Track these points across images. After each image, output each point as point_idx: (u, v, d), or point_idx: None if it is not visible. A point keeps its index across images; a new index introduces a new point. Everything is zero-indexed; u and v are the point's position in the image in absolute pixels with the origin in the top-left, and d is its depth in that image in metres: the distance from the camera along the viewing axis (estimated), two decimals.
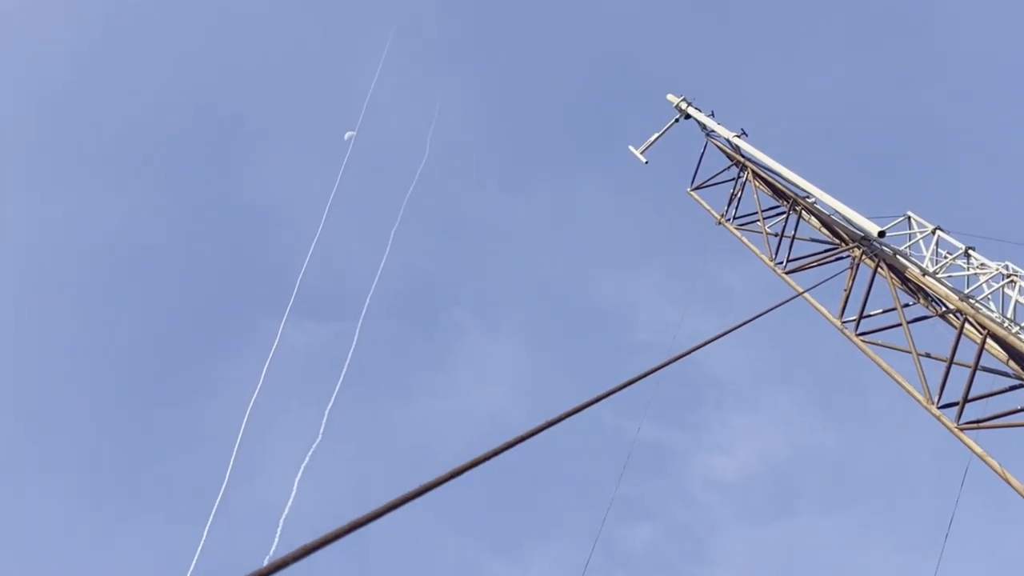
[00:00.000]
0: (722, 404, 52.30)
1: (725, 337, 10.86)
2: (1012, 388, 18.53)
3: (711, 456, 53.66)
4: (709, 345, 10.49)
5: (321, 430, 33.08)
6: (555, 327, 56.36)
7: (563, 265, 58.34)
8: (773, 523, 53.70)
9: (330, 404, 34.92)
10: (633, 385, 8.80)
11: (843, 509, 52.23)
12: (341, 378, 35.32)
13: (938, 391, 18.57)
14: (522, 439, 6.74)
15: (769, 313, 13.86)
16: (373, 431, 50.09)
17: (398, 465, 50.02)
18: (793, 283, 22.44)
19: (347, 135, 40.07)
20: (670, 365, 8.47)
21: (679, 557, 51.27)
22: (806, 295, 21.15)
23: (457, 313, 55.87)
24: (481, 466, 6.68)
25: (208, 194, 56.72)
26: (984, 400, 18.28)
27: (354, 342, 36.72)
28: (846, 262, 22.18)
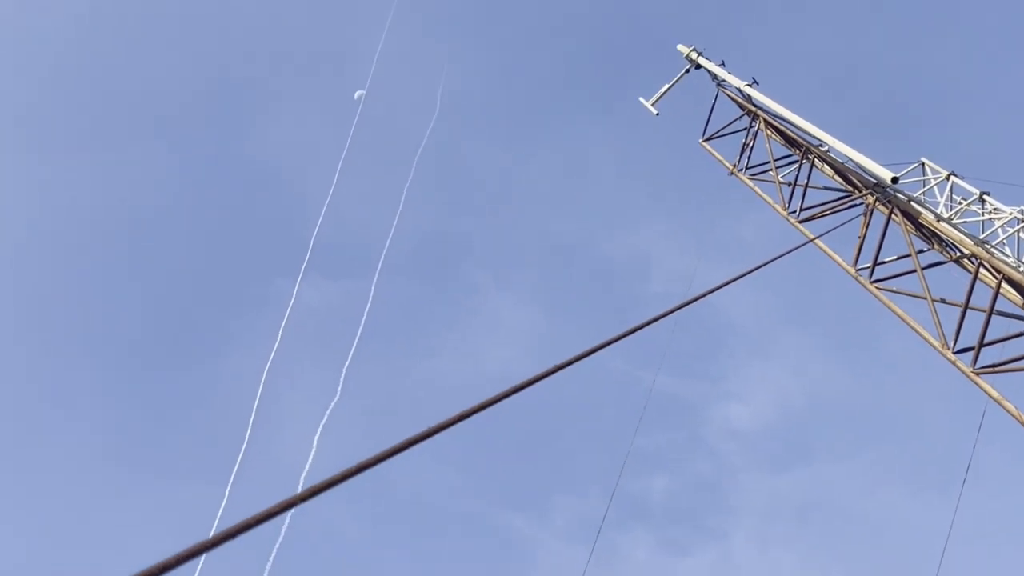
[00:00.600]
0: (737, 353, 52.32)
1: (739, 283, 10.85)
2: None
3: (727, 405, 53.77)
4: (724, 292, 10.49)
5: (339, 388, 33.27)
6: (568, 281, 56.38)
7: (575, 218, 58.26)
8: (791, 470, 53.90)
9: (347, 362, 35.10)
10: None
11: (860, 455, 52.40)
12: (358, 336, 35.47)
13: (953, 336, 18.53)
14: (533, 381, 6.74)
15: (782, 259, 13.83)
16: (390, 388, 50.35)
17: (415, 422, 50.27)
18: (806, 231, 22.35)
19: (357, 94, 39.94)
20: (682, 309, 8.47)
21: (697, 507, 51.59)
22: (818, 242, 21.07)
23: (470, 270, 55.94)
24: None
25: (218, 156, 56.73)
26: (1000, 344, 18.23)
27: (369, 300, 36.83)
28: (860, 209, 22.07)
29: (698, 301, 8.85)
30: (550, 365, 7.45)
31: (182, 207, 54.74)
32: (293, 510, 4.74)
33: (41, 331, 50.02)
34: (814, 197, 23.35)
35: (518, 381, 7.01)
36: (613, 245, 57.67)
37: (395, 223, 38.03)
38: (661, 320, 8.83)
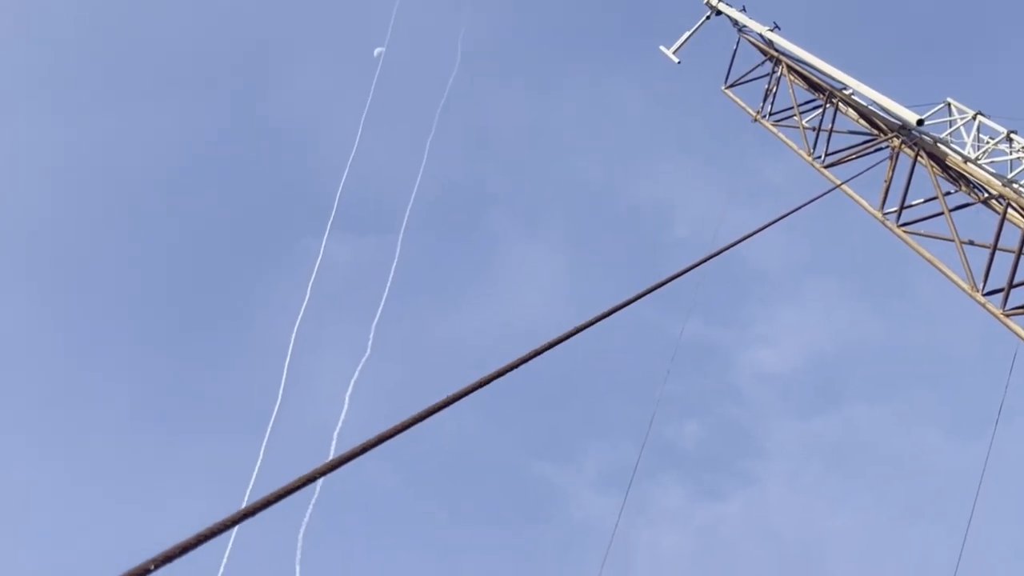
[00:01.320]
0: (766, 298, 52.16)
1: (767, 231, 10.86)
2: None
3: (757, 350, 53.71)
4: (751, 239, 10.51)
5: (369, 344, 33.53)
6: (593, 228, 56.26)
7: (598, 166, 58.00)
8: (822, 414, 53.98)
9: (376, 317, 35.35)
10: (676, 282, 8.86)
11: (891, 398, 52.39)
12: (386, 291, 35.68)
13: (982, 278, 18.46)
14: (565, 338, 6.81)
15: (809, 206, 13.81)
16: (419, 343, 50.58)
17: (446, 375, 50.62)
18: (832, 176, 22.22)
19: (376, 51, 39.84)
20: (712, 259, 8.50)
21: (729, 452, 51.78)
22: (845, 187, 20.97)
23: (495, 220, 55.92)
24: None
25: (238, 114, 56.70)
26: None
27: (396, 254, 36.99)
28: (885, 153, 21.93)
29: (729, 250, 8.88)
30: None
31: (205, 166, 54.88)
32: (323, 479, 4.83)
33: (70, 293, 50.46)
34: (839, 142, 23.21)
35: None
36: (637, 191, 57.45)
37: (419, 177, 38.08)
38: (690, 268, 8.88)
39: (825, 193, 14.24)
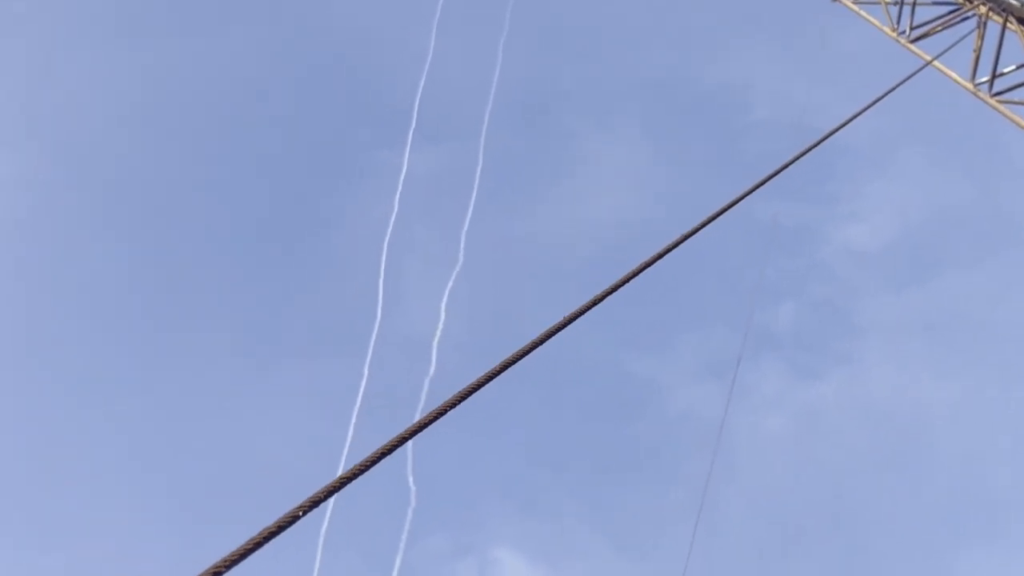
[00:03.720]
0: (853, 174, 51.12)
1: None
2: None
3: (847, 226, 52.89)
4: (835, 117, 10.60)
5: (461, 252, 34.09)
6: (670, 117, 55.56)
7: (671, 52, 56.98)
8: (918, 286, 53.29)
9: (465, 226, 35.88)
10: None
11: (988, 264, 51.58)
12: (472, 199, 36.12)
13: None
14: (660, 256, 7.08)
15: (900, 87, 13.75)
16: (508, 246, 50.88)
17: (538, 277, 51.12)
18: (919, 51, 21.87)
19: None
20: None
21: (825, 331, 51.57)
22: (936, 63, 20.65)
23: (572, 117, 55.42)
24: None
25: (303, 28, 56.56)
26: None
27: (480, 160, 37.31)
28: (972, 22, 21.48)
29: (829, 137, 9.00)
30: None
31: (270, 86, 54.88)
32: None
33: (154, 223, 51.47)
34: (922, 15, 22.75)
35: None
36: (713, 75, 56.38)
37: (496, 79, 38.11)
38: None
39: (917, 71, 14.12)
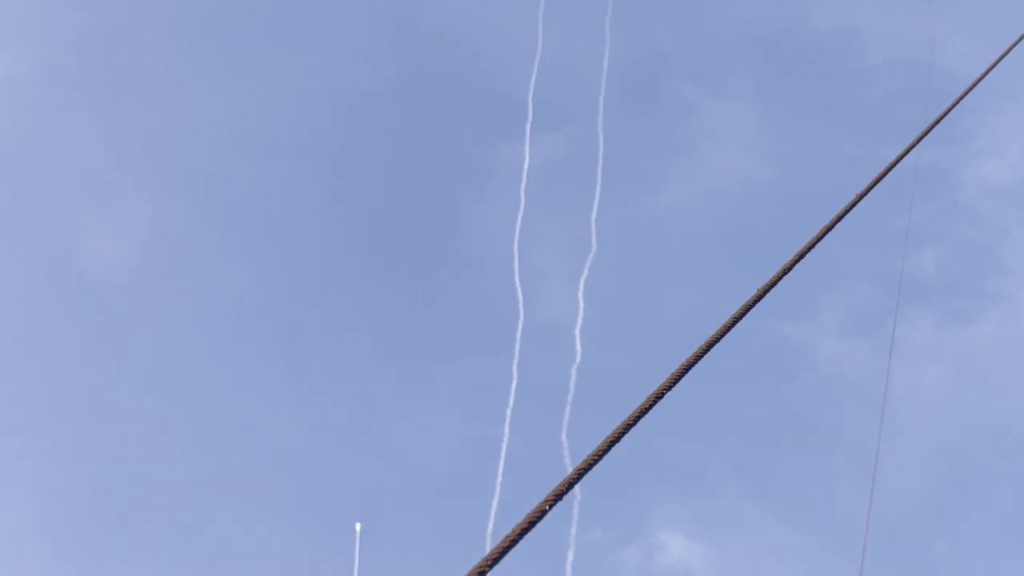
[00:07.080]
0: (980, 108, 48.52)
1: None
2: None
3: (982, 163, 50.38)
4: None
5: (593, 239, 33.62)
6: (782, 69, 53.71)
7: (770, 4, 54.97)
8: None
9: (594, 212, 35.37)
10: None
11: None
12: (598, 184, 35.58)
13: None
14: (812, 245, 6.52)
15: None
16: (639, 227, 50.02)
17: (671, 254, 50.26)
18: None
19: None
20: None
21: (973, 273, 49.35)
22: None
23: (683, 86, 54.20)
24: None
25: (404, 30, 56.27)
26: None
27: (600, 144, 36.71)
28: None
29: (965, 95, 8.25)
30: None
31: (381, 92, 54.85)
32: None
33: (292, 236, 51.76)
34: None
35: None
36: (819, 19, 54.25)
37: (606, 60, 37.47)
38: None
39: None
